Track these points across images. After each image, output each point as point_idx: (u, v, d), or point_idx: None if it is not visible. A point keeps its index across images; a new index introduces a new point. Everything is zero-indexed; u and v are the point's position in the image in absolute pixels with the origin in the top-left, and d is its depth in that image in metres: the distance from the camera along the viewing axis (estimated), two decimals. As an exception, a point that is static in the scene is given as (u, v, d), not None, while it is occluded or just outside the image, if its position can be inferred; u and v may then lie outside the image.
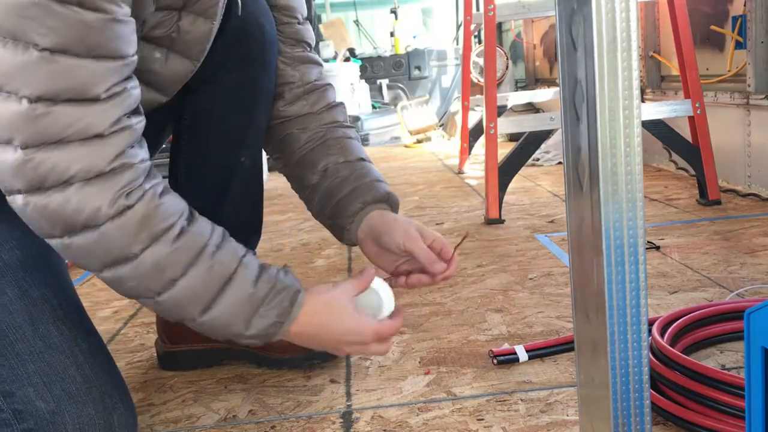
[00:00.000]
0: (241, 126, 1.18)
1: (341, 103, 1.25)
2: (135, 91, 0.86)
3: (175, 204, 0.88)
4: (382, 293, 1.02)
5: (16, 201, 0.83)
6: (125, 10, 0.83)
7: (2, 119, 0.79)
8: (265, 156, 1.33)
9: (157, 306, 0.90)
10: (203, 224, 0.91)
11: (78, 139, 0.80)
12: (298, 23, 1.21)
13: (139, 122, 0.87)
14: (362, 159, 1.18)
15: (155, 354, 1.34)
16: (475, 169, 3.41)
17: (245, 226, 1.24)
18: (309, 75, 1.22)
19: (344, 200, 1.13)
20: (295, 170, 1.21)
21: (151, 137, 1.20)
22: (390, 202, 1.15)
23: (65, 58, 0.78)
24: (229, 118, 1.17)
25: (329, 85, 1.25)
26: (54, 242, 0.86)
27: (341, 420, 1.06)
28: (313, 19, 5.90)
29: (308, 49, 1.23)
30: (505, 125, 2.39)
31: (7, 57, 0.77)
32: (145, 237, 0.85)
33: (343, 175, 1.15)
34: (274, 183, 3.14)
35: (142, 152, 0.87)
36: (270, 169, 3.46)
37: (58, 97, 0.78)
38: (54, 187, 0.81)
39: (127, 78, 0.85)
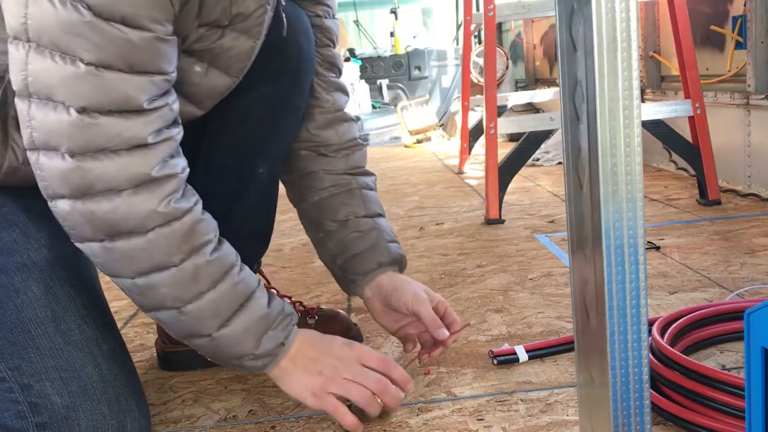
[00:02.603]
0: (264, 138, 1.18)
1: (363, 145, 1.27)
2: (175, 105, 0.90)
3: (212, 222, 0.94)
4: None
5: (59, 206, 0.86)
6: (167, 28, 0.86)
7: (51, 127, 0.83)
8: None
9: (177, 317, 0.92)
10: (229, 245, 0.96)
11: (123, 148, 0.84)
12: (333, 47, 1.23)
13: (179, 133, 0.91)
14: (380, 215, 1.23)
15: (155, 354, 1.34)
16: (475, 169, 3.41)
17: (256, 236, 1.25)
18: (340, 102, 1.25)
19: (360, 257, 1.18)
20: (312, 210, 1.23)
21: (189, 149, 1.21)
22: (401, 265, 1.21)
23: (109, 72, 0.81)
24: (253, 128, 1.17)
25: (356, 118, 1.29)
26: (92, 246, 0.88)
27: (341, 420, 1.06)
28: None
29: (339, 75, 1.26)
30: (505, 125, 2.39)
31: (55, 69, 0.80)
32: (187, 248, 0.89)
33: (362, 230, 1.19)
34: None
35: (182, 161, 0.91)
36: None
37: (103, 108, 0.82)
38: (101, 194, 0.85)
39: (167, 92, 0.89)
